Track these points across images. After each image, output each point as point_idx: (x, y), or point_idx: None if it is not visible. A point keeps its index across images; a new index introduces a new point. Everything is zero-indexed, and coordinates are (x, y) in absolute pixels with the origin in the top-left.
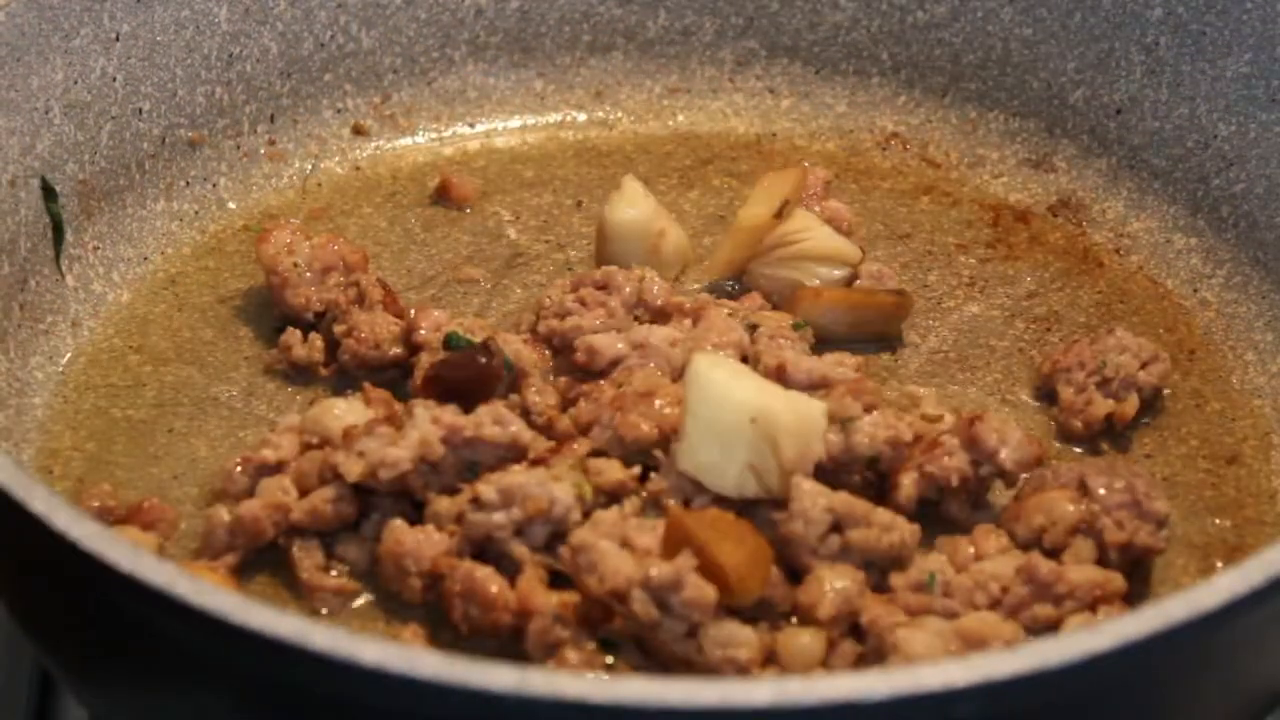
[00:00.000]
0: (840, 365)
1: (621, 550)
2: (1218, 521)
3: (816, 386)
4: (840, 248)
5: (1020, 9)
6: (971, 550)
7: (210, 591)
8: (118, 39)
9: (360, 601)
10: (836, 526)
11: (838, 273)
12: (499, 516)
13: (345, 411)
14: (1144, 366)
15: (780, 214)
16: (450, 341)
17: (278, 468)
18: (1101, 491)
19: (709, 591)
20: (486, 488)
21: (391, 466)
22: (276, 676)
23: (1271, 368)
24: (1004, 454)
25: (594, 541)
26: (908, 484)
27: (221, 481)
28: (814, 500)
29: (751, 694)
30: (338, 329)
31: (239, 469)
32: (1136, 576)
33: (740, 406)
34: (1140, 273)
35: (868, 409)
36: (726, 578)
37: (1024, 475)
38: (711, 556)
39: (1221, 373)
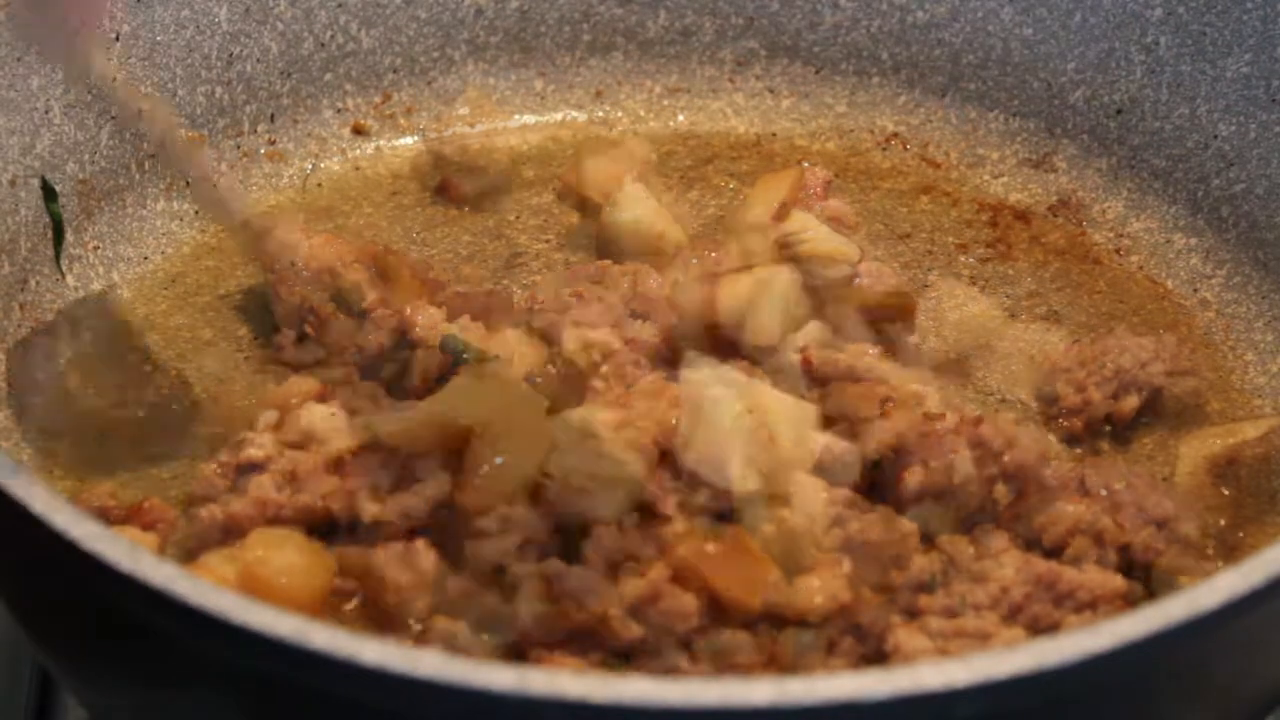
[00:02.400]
0: (865, 355)
1: (593, 573)
2: (1218, 522)
3: (844, 379)
4: (839, 247)
5: (1020, 9)
6: (971, 550)
7: (210, 591)
8: (118, 39)
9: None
10: (837, 524)
11: (837, 272)
12: (505, 542)
13: (322, 417)
14: (1144, 366)
15: (778, 216)
16: (446, 345)
17: (262, 466)
18: (1104, 494)
19: (686, 600)
20: (485, 520)
21: (409, 516)
22: (276, 676)
23: (1271, 368)
24: (1010, 455)
25: (566, 569)
26: (912, 483)
27: (201, 487)
28: (815, 497)
29: (751, 694)
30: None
31: (217, 472)
32: (1136, 576)
33: (733, 397)
34: (1140, 273)
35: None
36: (739, 606)
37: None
38: (719, 591)
39: (1221, 373)
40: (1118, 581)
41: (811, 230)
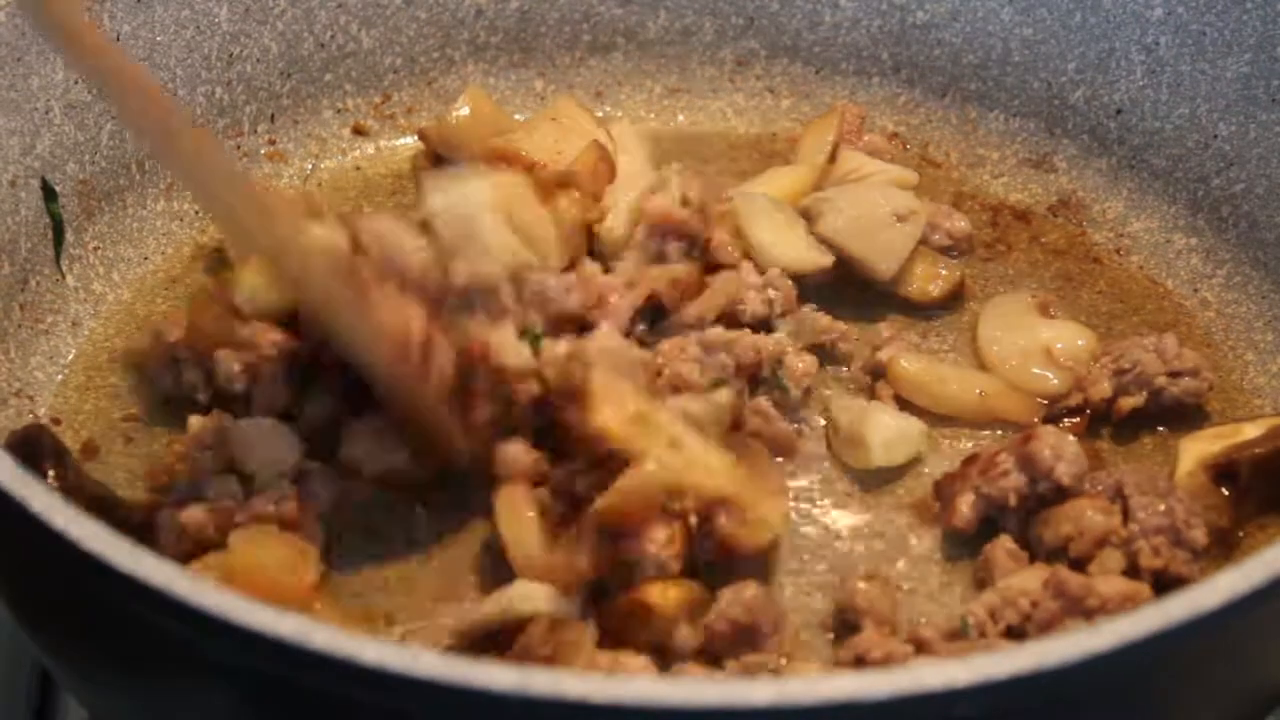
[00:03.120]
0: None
1: None
2: (1218, 522)
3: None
4: (898, 175)
5: (1020, 9)
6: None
7: (210, 591)
8: (118, 39)
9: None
10: None
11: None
12: None
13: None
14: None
15: (832, 158)
16: None
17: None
18: (1141, 514)
19: None
20: None
21: None
22: (276, 676)
23: (1271, 368)
24: (1060, 469)
25: None
26: (965, 507)
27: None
28: None
29: (751, 694)
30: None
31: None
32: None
33: None
34: (1140, 273)
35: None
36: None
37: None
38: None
39: (1221, 373)
40: (1146, 593)
41: (865, 165)
